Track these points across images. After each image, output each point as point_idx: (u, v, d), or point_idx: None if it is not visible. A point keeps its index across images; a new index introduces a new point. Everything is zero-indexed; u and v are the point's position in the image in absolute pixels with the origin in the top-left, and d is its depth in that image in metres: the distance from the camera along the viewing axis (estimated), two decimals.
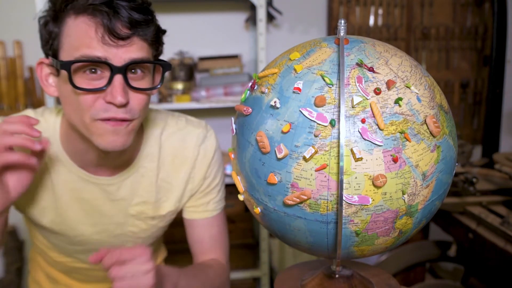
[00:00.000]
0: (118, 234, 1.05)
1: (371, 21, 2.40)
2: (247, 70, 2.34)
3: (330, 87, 0.60)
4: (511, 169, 1.52)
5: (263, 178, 0.63)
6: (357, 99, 0.58)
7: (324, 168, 0.58)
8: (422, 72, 0.65)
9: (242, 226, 2.28)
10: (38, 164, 0.83)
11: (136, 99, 0.85)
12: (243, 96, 0.69)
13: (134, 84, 0.84)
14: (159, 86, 0.90)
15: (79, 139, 0.92)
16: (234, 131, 0.69)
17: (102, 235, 1.04)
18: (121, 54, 0.81)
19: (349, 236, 0.61)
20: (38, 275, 1.19)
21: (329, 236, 0.62)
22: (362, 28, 2.39)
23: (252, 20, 2.25)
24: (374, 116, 0.58)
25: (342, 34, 0.63)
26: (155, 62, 0.87)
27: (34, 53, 2.19)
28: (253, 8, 2.18)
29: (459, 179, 1.60)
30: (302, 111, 0.59)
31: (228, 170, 2.09)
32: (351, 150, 0.57)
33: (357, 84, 0.59)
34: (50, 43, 0.85)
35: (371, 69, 0.61)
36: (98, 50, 0.80)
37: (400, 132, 0.59)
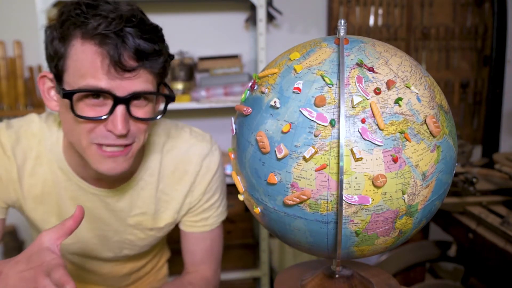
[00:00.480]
0: (116, 241, 1.05)
1: (371, 21, 2.40)
2: (247, 70, 2.34)
3: (330, 87, 0.60)
4: (511, 169, 1.52)
5: (263, 178, 0.63)
6: (357, 99, 0.58)
7: (324, 168, 0.58)
8: (422, 72, 0.65)
9: (242, 226, 2.28)
10: None
11: (137, 127, 0.85)
12: (243, 96, 0.69)
13: (137, 112, 0.83)
14: (159, 117, 0.88)
15: (79, 156, 0.92)
16: (234, 131, 0.69)
17: (101, 240, 1.04)
18: (125, 86, 0.80)
19: (349, 236, 0.61)
20: None
21: (329, 236, 0.62)
22: (362, 28, 2.39)
23: (252, 20, 2.25)
24: (374, 116, 0.58)
25: (342, 34, 0.63)
26: (159, 94, 0.86)
27: (34, 53, 2.19)
28: (253, 8, 2.18)
29: (459, 179, 1.60)
30: (302, 111, 0.59)
31: (228, 170, 2.09)
32: (351, 150, 0.57)
33: (357, 84, 0.59)
34: (56, 62, 0.83)
35: (371, 69, 0.61)
36: (102, 81, 0.79)
37: (400, 132, 0.59)
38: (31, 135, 0.97)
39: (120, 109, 0.80)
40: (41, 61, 1.96)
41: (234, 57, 2.26)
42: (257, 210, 0.66)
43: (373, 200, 0.58)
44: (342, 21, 0.63)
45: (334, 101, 0.59)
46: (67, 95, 0.80)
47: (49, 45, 0.84)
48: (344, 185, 0.58)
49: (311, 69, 0.62)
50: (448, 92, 2.49)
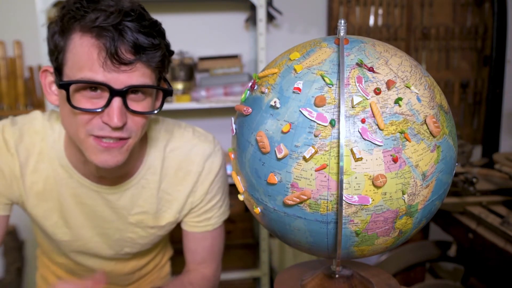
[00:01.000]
0: (117, 239, 1.05)
1: (371, 21, 2.40)
2: (247, 70, 2.34)
3: (330, 87, 0.60)
4: (511, 169, 1.52)
5: (263, 178, 0.63)
6: (357, 99, 0.58)
7: (324, 168, 0.58)
8: (422, 72, 0.65)
9: (242, 226, 2.28)
10: None
11: (134, 121, 0.85)
12: (243, 96, 0.69)
13: (134, 106, 0.83)
14: (157, 111, 0.88)
15: (78, 151, 0.92)
16: (234, 131, 0.69)
17: (102, 238, 1.05)
18: (122, 79, 0.80)
19: (349, 236, 0.61)
20: (45, 272, 1.21)
21: (329, 236, 0.62)
22: (362, 28, 2.39)
23: (252, 20, 2.25)
24: (374, 116, 0.58)
25: (342, 34, 0.63)
26: (155, 87, 0.86)
27: (34, 53, 2.19)
28: (253, 8, 2.18)
29: (459, 179, 1.60)
30: (302, 111, 0.59)
31: (228, 170, 2.09)
32: (351, 150, 0.57)
33: (357, 84, 0.59)
34: (56, 56, 0.84)
35: (371, 69, 0.61)
36: (99, 74, 0.79)
37: (400, 132, 0.59)
38: (34, 132, 0.97)
39: (116, 101, 0.80)
40: (41, 61, 1.96)
41: (234, 57, 2.26)
42: (257, 210, 0.66)
43: (373, 200, 0.58)
44: (342, 21, 0.63)
45: (334, 101, 0.59)
46: (64, 86, 0.81)
47: (50, 39, 0.85)
48: (344, 185, 0.58)
49: (311, 69, 0.62)
50: (448, 92, 2.49)
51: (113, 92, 0.80)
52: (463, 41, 2.47)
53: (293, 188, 0.60)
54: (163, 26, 0.88)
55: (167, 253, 1.28)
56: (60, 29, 0.82)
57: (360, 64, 0.61)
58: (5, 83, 2.18)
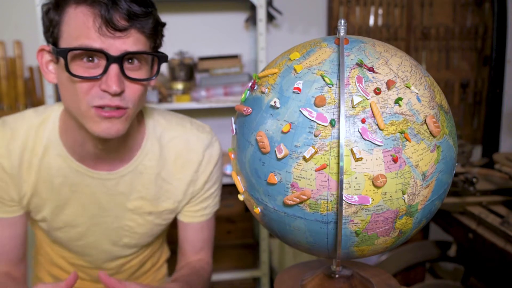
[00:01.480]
0: (116, 228, 1.06)
1: (371, 21, 2.40)
2: (247, 70, 2.34)
3: (330, 87, 0.60)
4: (511, 169, 1.52)
5: (263, 178, 0.63)
6: (357, 99, 0.58)
7: (324, 168, 0.58)
8: (422, 72, 0.65)
9: (242, 226, 2.28)
10: None
11: (132, 89, 0.87)
12: (243, 96, 0.69)
13: (131, 74, 0.86)
14: (154, 77, 0.91)
15: (77, 130, 0.94)
16: (234, 131, 0.69)
17: (100, 227, 1.05)
18: (117, 45, 0.82)
19: (349, 236, 0.61)
20: (40, 273, 1.21)
21: (329, 236, 0.62)
22: (362, 28, 2.39)
23: (252, 20, 2.25)
24: (374, 116, 0.58)
25: (342, 34, 0.63)
26: (150, 53, 0.88)
27: (34, 53, 2.18)
28: (253, 8, 2.18)
29: (459, 179, 1.60)
30: (302, 111, 0.59)
31: (228, 170, 2.09)
32: (351, 150, 0.57)
33: (357, 84, 0.59)
34: (51, 31, 0.87)
35: (371, 69, 0.61)
36: (95, 40, 0.82)
37: (400, 132, 0.59)
38: (27, 129, 0.98)
39: (114, 68, 0.83)
40: None
41: (234, 57, 2.26)
42: (257, 210, 0.66)
43: (373, 200, 0.58)
44: (342, 21, 0.63)
45: (334, 101, 0.59)
46: (62, 53, 0.83)
47: (44, 17, 0.88)
48: (344, 185, 0.58)
49: (311, 69, 0.62)
50: (448, 92, 2.49)
51: (110, 59, 0.82)
52: (463, 41, 2.47)
53: (293, 188, 0.60)
54: None
55: (164, 254, 1.28)
56: (55, 4, 0.85)
57: (360, 64, 0.61)
58: (5, 83, 2.18)
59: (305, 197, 0.59)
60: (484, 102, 2.51)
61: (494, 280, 1.65)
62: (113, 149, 0.97)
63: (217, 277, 2.20)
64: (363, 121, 0.58)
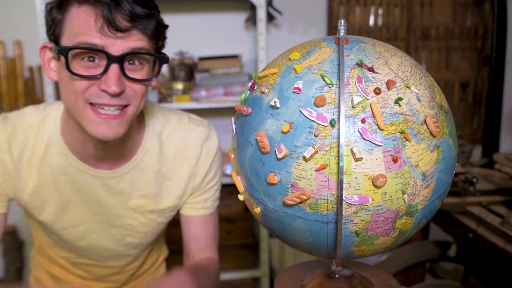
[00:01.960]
0: (118, 226, 1.06)
1: (371, 21, 2.40)
2: (247, 70, 2.34)
3: (330, 87, 0.60)
4: (511, 169, 1.52)
5: (263, 178, 0.63)
6: (357, 99, 0.58)
7: (324, 168, 0.58)
8: (422, 72, 0.65)
9: (242, 226, 2.28)
10: None
11: (132, 89, 0.87)
12: (243, 96, 0.69)
13: (131, 74, 0.85)
14: (154, 78, 0.91)
15: (77, 129, 0.94)
16: (234, 131, 0.69)
17: (102, 225, 1.05)
18: (118, 44, 0.82)
19: (349, 236, 0.61)
20: (39, 273, 1.20)
21: (329, 236, 0.62)
22: (362, 28, 2.39)
23: (252, 20, 2.25)
24: (374, 116, 0.58)
25: (342, 34, 0.63)
26: (150, 54, 0.88)
27: (34, 53, 2.19)
28: (253, 8, 2.18)
29: (459, 179, 1.60)
30: (302, 111, 0.59)
31: (228, 170, 2.09)
32: (351, 150, 0.57)
33: (357, 84, 0.59)
34: (53, 29, 0.87)
35: (371, 69, 0.61)
36: (96, 39, 0.82)
37: (400, 132, 0.59)
38: (28, 126, 0.99)
39: (114, 67, 0.83)
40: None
41: (234, 57, 2.26)
42: (257, 210, 0.66)
43: (373, 200, 0.58)
44: (342, 21, 0.63)
45: (334, 101, 0.59)
46: (63, 51, 0.83)
47: (47, 16, 0.88)
48: (344, 185, 0.58)
49: (311, 69, 0.62)
50: (448, 92, 2.49)
51: (110, 59, 0.82)
52: (463, 41, 2.47)
53: (293, 188, 0.60)
54: None
55: (163, 252, 1.28)
56: (58, 3, 0.85)
57: (360, 64, 0.61)
58: (5, 83, 2.18)
59: (305, 197, 0.59)
60: (484, 102, 2.51)
61: (494, 280, 1.64)
62: (113, 148, 0.97)
63: None
64: (363, 121, 0.58)
